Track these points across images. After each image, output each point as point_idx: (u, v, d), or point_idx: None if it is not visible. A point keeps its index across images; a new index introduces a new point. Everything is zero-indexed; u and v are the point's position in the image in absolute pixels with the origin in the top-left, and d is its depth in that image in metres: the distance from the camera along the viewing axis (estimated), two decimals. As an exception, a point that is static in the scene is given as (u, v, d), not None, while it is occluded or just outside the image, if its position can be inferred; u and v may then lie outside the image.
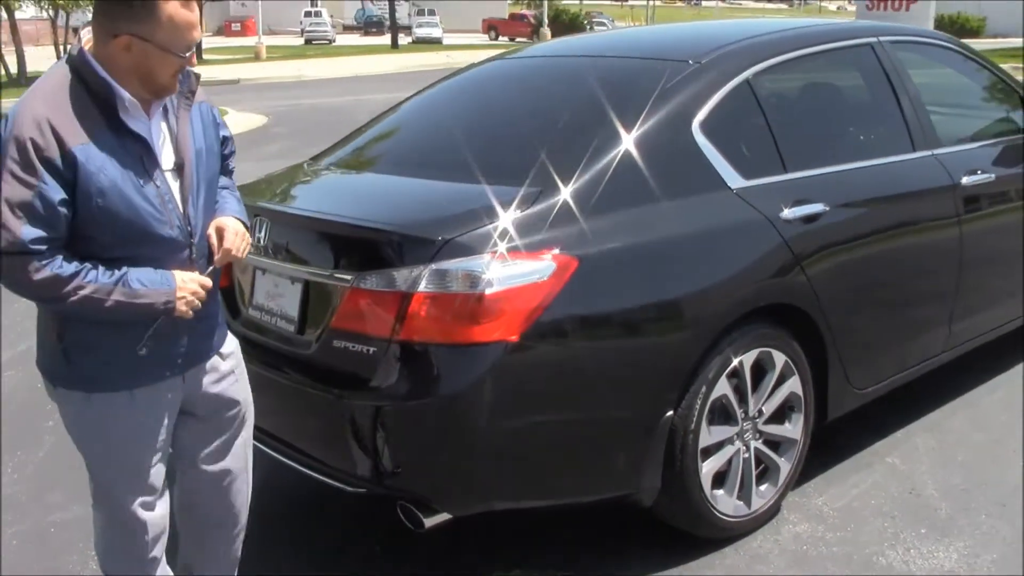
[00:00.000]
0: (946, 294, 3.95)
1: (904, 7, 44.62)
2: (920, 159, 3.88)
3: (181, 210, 2.28)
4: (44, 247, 2.06)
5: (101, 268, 2.15)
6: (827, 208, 3.38)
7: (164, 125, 2.29)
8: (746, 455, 3.28)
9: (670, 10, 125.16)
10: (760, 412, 3.29)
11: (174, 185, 2.28)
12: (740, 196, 3.21)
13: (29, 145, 2.03)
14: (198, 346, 2.43)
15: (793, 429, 3.42)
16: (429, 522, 2.84)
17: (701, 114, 3.23)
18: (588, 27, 53.14)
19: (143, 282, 2.19)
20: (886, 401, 3.98)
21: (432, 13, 60.49)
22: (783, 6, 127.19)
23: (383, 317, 2.78)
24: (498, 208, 2.85)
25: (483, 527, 3.08)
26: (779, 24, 3.99)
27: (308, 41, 55.42)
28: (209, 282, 2.34)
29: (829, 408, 3.54)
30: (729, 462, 3.23)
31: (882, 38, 3.96)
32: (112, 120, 2.16)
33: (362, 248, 2.88)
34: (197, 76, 2.34)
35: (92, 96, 2.15)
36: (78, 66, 2.16)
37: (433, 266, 2.71)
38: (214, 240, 2.40)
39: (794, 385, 3.37)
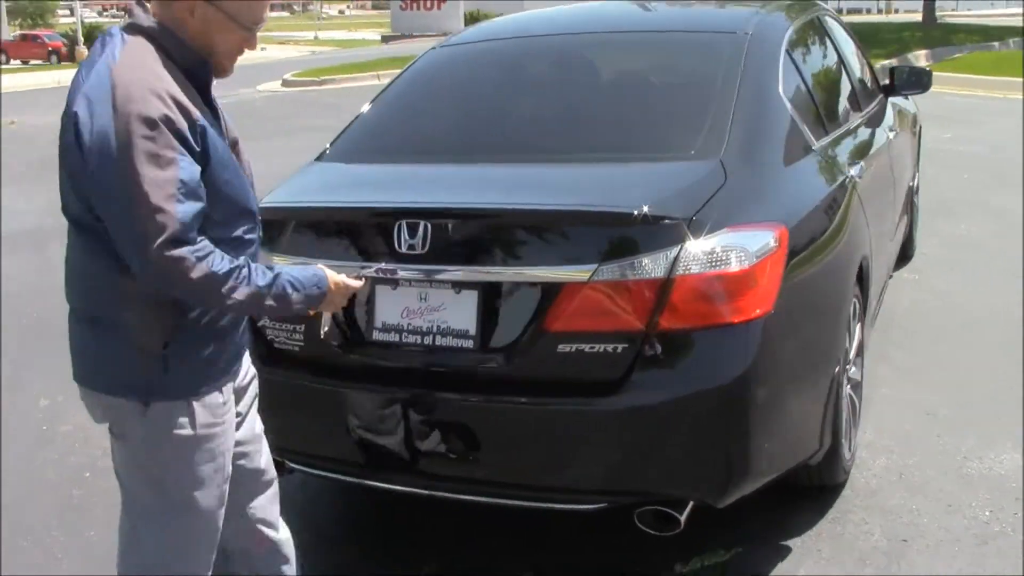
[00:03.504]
0: (892, 228, 4.47)
1: (436, 6, 47.75)
2: (868, 117, 4.31)
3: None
4: (196, 230, 1.91)
5: (254, 267, 2.03)
6: (863, 165, 3.67)
7: None
8: (847, 400, 3.46)
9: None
10: (849, 359, 3.49)
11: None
12: (823, 157, 3.38)
13: (161, 121, 1.89)
14: (244, 336, 2.29)
15: (858, 372, 3.67)
16: (683, 518, 2.68)
17: (780, 80, 3.34)
18: None
19: (295, 285, 2.10)
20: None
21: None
22: (284, 14, 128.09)
23: (633, 309, 2.57)
24: (703, 183, 2.76)
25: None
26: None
27: None
28: (360, 285, 2.31)
29: (865, 350, 3.84)
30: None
31: (819, 13, 4.33)
32: (204, 93, 2.06)
33: (591, 238, 2.62)
34: None
35: (182, 69, 2.01)
36: (160, 38, 2.01)
37: (688, 247, 2.56)
38: None
39: (859, 330, 3.61)
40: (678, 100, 3.29)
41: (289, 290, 2.09)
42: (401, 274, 2.78)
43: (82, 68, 2.01)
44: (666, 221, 2.58)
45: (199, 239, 1.92)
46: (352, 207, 2.97)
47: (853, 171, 3.51)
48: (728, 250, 2.58)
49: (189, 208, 1.89)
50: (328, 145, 3.54)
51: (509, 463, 2.73)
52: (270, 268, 2.08)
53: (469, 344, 2.73)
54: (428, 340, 2.78)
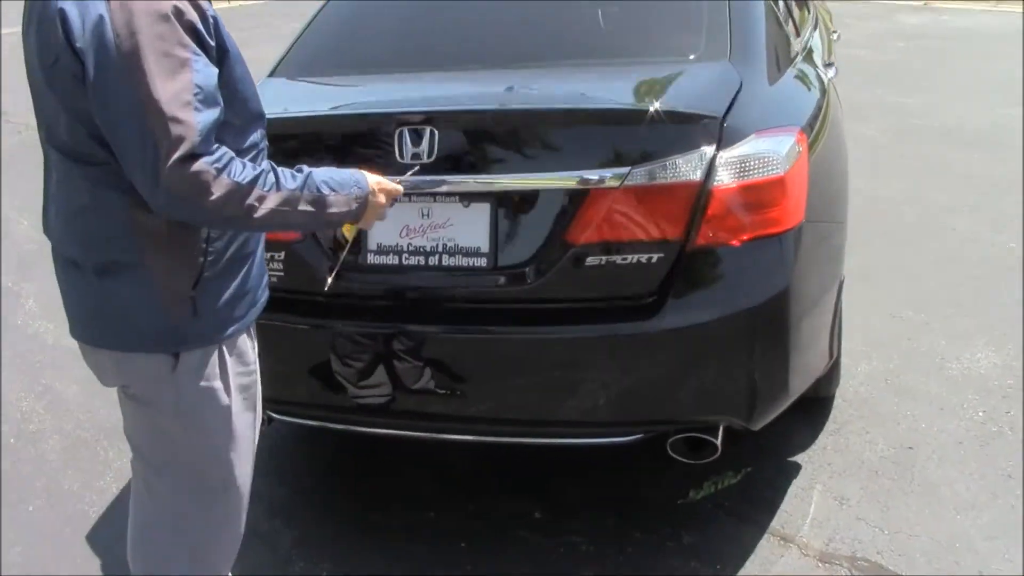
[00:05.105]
0: None
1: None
2: (814, 21, 4.15)
3: None
4: (213, 140, 1.60)
5: (280, 170, 1.72)
6: (835, 68, 3.52)
7: None
8: (834, 310, 3.35)
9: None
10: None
11: None
12: (806, 60, 3.19)
13: (172, 14, 1.58)
14: (263, 265, 1.99)
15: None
16: (719, 442, 2.49)
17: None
18: None
19: (331, 185, 1.79)
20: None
21: None
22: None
23: (669, 216, 2.33)
24: (722, 85, 2.52)
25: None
26: None
27: None
28: (402, 191, 2.02)
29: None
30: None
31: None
32: None
33: (618, 139, 2.35)
34: None
35: None
36: None
37: (723, 153, 2.32)
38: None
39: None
40: (669, 3, 3.00)
41: (325, 191, 1.76)
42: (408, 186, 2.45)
43: None
44: (700, 120, 2.34)
45: (217, 148, 1.59)
46: (347, 115, 2.60)
47: (831, 73, 3.36)
48: (762, 156, 2.36)
49: (208, 116, 1.58)
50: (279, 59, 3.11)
51: (535, 397, 2.47)
52: (299, 169, 1.76)
53: (482, 263, 2.45)
54: (434, 260, 2.48)
